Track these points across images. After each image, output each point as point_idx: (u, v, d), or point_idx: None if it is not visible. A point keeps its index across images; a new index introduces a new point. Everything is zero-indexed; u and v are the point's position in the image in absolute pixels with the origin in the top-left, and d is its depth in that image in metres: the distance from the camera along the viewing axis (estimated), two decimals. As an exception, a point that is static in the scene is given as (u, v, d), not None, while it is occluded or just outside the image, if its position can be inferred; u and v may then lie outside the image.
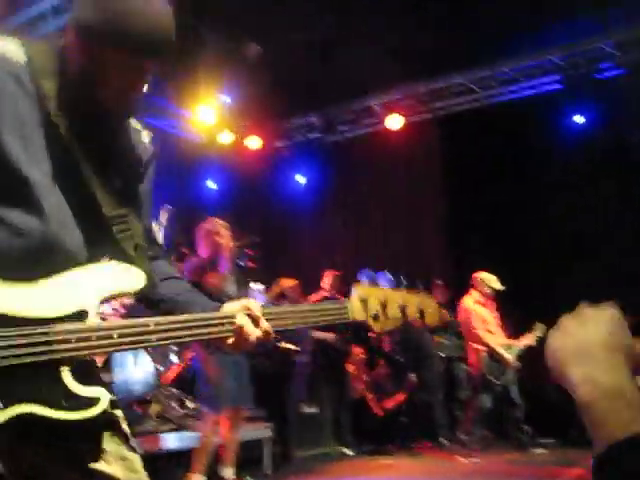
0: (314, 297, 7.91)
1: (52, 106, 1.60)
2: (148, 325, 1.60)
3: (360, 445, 7.84)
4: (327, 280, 7.95)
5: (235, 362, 5.01)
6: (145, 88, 1.66)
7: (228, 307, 1.76)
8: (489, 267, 7.70)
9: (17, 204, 1.56)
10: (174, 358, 6.24)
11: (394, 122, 8.98)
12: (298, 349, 7.61)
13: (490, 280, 7.51)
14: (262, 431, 6.34)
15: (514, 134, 8.22)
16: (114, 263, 1.65)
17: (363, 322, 1.93)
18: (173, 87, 8.63)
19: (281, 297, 8.63)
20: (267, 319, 1.75)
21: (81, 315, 1.55)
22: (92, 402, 1.52)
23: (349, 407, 7.95)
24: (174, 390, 5.99)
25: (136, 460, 1.72)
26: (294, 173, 10.38)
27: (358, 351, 8.49)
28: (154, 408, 5.47)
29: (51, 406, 1.47)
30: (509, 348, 7.29)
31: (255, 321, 1.73)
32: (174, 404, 5.89)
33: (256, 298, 7.63)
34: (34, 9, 6.91)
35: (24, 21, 6.90)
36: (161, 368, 5.73)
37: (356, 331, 8.54)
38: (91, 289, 1.58)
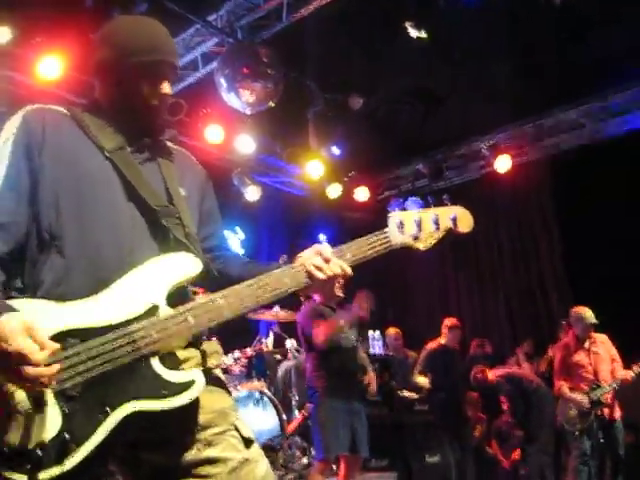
0: (430, 345, 7.83)
1: (107, 150, 1.88)
2: (215, 300, 1.74)
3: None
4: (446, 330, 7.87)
5: (349, 410, 5.01)
6: (169, 88, 1.96)
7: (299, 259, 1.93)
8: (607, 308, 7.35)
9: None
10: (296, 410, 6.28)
11: (503, 164, 8.85)
12: (418, 397, 7.48)
13: (588, 314, 6.68)
14: (388, 480, 6.22)
15: (631, 168, 7.91)
16: (170, 254, 1.79)
17: (406, 244, 2.05)
18: (282, 144, 8.91)
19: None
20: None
21: (154, 310, 1.69)
22: (188, 385, 1.64)
23: (472, 454, 7.70)
24: (297, 439, 6.00)
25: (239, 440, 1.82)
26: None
27: (474, 394, 8.27)
28: (279, 457, 5.48)
29: (151, 398, 1.61)
30: (595, 389, 6.45)
31: (327, 261, 1.90)
32: (298, 453, 5.89)
33: (374, 346, 7.63)
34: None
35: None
36: (285, 417, 5.75)
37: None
38: (156, 283, 1.71)
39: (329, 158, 8.69)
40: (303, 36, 6.97)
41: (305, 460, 5.88)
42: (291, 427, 5.85)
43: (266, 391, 5.73)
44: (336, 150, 8.23)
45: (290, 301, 6.70)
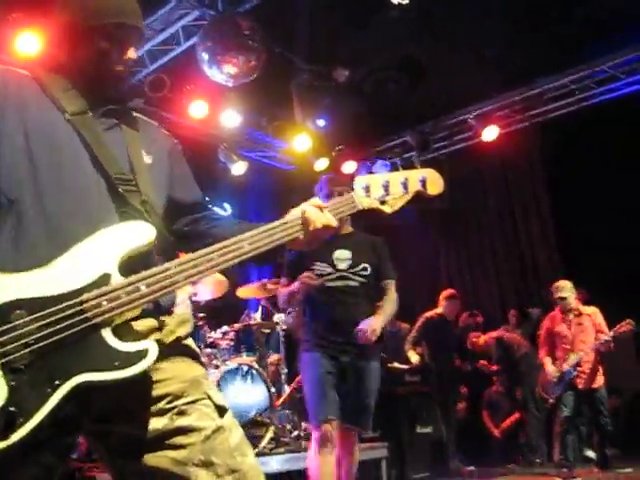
0: (429, 314, 7.89)
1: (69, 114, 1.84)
2: (169, 269, 1.70)
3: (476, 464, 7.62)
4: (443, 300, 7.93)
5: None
6: (134, 54, 1.92)
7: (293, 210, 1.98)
8: (602, 277, 7.36)
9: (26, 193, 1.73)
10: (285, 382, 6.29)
11: (490, 133, 8.82)
12: (407, 367, 7.51)
13: (561, 288, 6.85)
14: (379, 451, 6.25)
15: (620, 134, 7.88)
16: (123, 222, 1.75)
17: (373, 208, 2.05)
18: (268, 118, 8.84)
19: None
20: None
21: (105, 279, 1.65)
22: (141, 355, 1.60)
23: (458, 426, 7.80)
24: (287, 412, 6.01)
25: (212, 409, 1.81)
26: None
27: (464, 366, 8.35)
28: (268, 430, 5.49)
29: (103, 370, 1.57)
30: (567, 359, 6.60)
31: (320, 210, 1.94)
32: (288, 426, 5.91)
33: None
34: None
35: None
36: (274, 391, 5.76)
37: (461, 349, 8.41)
38: (107, 252, 1.67)
39: (316, 131, 8.63)
40: (286, 8, 6.86)
41: (296, 433, 5.90)
42: (280, 400, 5.86)
43: (254, 365, 5.74)
44: (321, 122, 8.17)
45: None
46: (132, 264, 1.72)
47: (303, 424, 5.92)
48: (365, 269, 4.30)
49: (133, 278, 1.66)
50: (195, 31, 6.83)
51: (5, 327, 1.53)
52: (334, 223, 1.95)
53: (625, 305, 6.87)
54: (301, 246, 1.96)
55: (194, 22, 6.91)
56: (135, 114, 2.06)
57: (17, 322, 1.54)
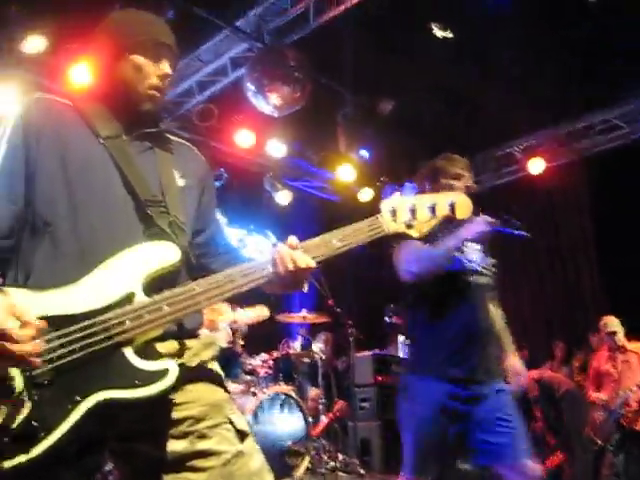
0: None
1: (103, 138, 1.90)
2: (194, 289, 1.72)
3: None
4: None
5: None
6: (169, 69, 1.97)
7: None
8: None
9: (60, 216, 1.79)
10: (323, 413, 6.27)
11: (536, 166, 8.73)
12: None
13: (610, 323, 6.64)
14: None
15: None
16: (149, 243, 1.78)
17: (399, 232, 1.97)
18: (313, 148, 8.93)
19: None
20: (304, 251, 1.83)
21: (130, 298, 1.68)
22: (162, 375, 1.62)
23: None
24: (324, 442, 5.97)
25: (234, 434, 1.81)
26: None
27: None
28: (303, 460, 5.46)
29: (124, 387, 1.59)
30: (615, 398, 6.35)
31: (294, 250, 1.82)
32: (325, 457, 5.87)
33: (404, 351, 7.59)
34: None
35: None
36: (311, 420, 5.73)
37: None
38: (132, 272, 1.71)
39: (360, 162, 8.67)
40: (332, 39, 6.97)
41: (332, 464, 5.85)
42: (317, 430, 5.83)
43: (292, 393, 5.72)
44: (365, 153, 8.20)
45: (319, 304, 6.73)
46: (159, 284, 1.75)
47: (340, 455, 5.88)
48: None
49: (157, 298, 1.69)
50: (243, 62, 6.98)
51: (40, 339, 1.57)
52: (311, 264, 1.83)
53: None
54: (278, 290, 1.90)
55: (242, 54, 7.07)
56: (170, 137, 2.11)
57: (43, 338, 1.57)
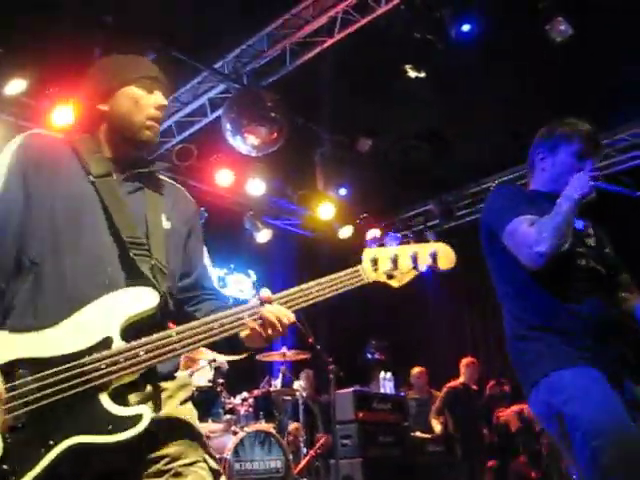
0: (452, 384, 7.85)
1: (94, 177, 1.93)
2: (171, 335, 1.74)
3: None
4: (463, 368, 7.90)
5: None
6: (164, 100, 2.07)
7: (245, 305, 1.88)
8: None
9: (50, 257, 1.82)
10: (304, 450, 6.25)
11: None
12: (431, 437, 7.40)
13: None
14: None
15: None
16: (129, 288, 1.79)
17: (380, 282, 1.97)
18: (292, 187, 9.03)
19: (409, 385, 8.57)
20: (282, 303, 1.86)
21: (107, 342, 1.70)
22: (135, 420, 1.63)
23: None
24: (305, 480, 5.95)
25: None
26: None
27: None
28: (286, 498, 5.43)
29: (96, 433, 1.60)
30: None
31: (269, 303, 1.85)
32: (306, 495, 5.84)
33: (385, 387, 7.60)
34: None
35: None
36: (291, 458, 5.71)
37: (488, 419, 8.27)
38: (111, 316, 1.72)
39: (339, 200, 8.77)
40: (308, 80, 7.11)
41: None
42: (298, 468, 5.81)
43: (273, 431, 5.71)
44: (343, 191, 8.32)
45: (299, 341, 6.75)
46: (137, 328, 1.77)
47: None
48: None
49: (134, 344, 1.71)
50: (221, 103, 7.09)
51: (6, 385, 1.60)
52: (292, 319, 1.86)
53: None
54: (259, 344, 1.90)
55: (220, 95, 7.19)
56: (162, 177, 2.17)
57: (18, 381, 1.60)
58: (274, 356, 6.51)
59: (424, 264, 1.98)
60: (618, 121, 7.99)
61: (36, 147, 1.94)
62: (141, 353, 1.70)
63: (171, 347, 1.73)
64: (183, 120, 7.52)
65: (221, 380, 6.05)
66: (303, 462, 5.88)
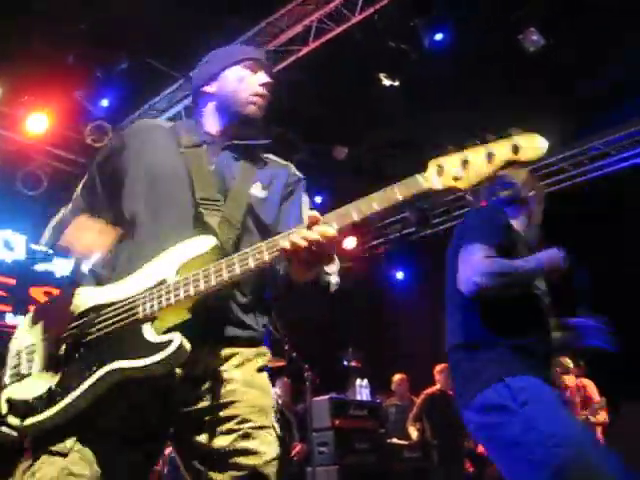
0: (429, 390, 7.88)
1: (184, 148, 2.14)
2: (208, 269, 1.80)
3: None
4: (438, 375, 7.93)
5: None
6: (267, 78, 2.21)
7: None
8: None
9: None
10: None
11: (486, 208, 8.99)
12: (408, 444, 7.42)
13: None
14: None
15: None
16: (189, 239, 1.92)
17: (442, 189, 1.70)
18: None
19: (390, 392, 8.59)
20: (324, 222, 1.72)
21: (162, 283, 1.84)
22: (166, 345, 1.73)
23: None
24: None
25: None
26: (392, 270, 10.46)
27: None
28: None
29: (130, 358, 1.76)
30: None
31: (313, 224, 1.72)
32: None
33: (362, 394, 7.62)
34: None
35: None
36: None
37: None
38: (169, 263, 1.88)
39: (315, 208, 8.79)
40: (283, 89, 7.14)
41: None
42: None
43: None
44: (318, 199, 8.35)
45: (275, 348, 6.73)
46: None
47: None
48: None
49: (179, 279, 1.82)
50: (197, 112, 7.09)
51: (77, 323, 1.88)
52: (329, 232, 1.69)
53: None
54: (305, 269, 1.80)
55: (196, 103, 7.19)
56: (270, 155, 2.29)
57: (85, 320, 1.87)
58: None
59: (502, 158, 1.65)
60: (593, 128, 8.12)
61: (140, 128, 2.24)
62: (181, 286, 1.80)
63: (207, 278, 1.78)
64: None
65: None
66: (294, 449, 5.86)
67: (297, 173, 2.27)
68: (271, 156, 2.28)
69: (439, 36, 6.13)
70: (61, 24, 5.96)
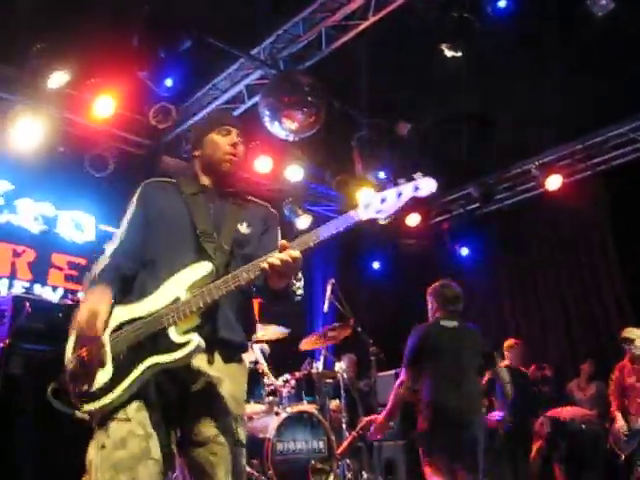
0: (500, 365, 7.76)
1: (185, 195, 2.76)
2: (210, 285, 2.42)
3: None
4: (506, 352, 7.79)
5: None
6: (239, 138, 2.78)
7: None
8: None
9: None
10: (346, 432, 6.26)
11: (553, 183, 8.78)
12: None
13: (629, 331, 6.60)
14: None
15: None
16: (193, 265, 2.52)
17: (370, 218, 2.35)
18: (331, 172, 9.04)
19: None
20: (292, 247, 2.35)
21: (176, 301, 2.44)
22: (187, 344, 2.36)
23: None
24: (348, 461, 5.97)
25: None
26: (456, 246, 10.33)
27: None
28: (329, 478, 5.47)
29: (162, 353, 2.38)
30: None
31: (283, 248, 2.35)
32: (349, 475, 5.87)
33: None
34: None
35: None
36: (334, 439, 5.75)
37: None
38: (180, 284, 2.48)
39: (378, 184, 8.74)
40: (346, 63, 7.11)
41: (356, 482, 5.85)
42: (341, 449, 5.84)
43: (315, 412, 5.76)
44: (382, 175, 8.28)
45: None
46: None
47: (364, 474, 5.87)
48: None
49: (189, 297, 2.44)
50: (258, 89, 7.14)
51: (117, 333, 2.46)
52: (295, 254, 2.32)
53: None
54: (278, 278, 2.39)
55: (257, 81, 7.24)
56: (247, 197, 2.86)
57: (121, 331, 2.46)
58: (317, 343, 6.55)
59: (407, 196, 2.33)
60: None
61: (150, 187, 2.79)
62: (192, 300, 2.42)
63: (210, 291, 2.40)
64: (221, 107, 7.59)
65: (263, 361, 6.12)
66: (345, 443, 5.90)
67: (272, 210, 2.92)
68: (252, 198, 2.88)
69: (502, 3, 5.97)
70: (125, 7, 6.06)
